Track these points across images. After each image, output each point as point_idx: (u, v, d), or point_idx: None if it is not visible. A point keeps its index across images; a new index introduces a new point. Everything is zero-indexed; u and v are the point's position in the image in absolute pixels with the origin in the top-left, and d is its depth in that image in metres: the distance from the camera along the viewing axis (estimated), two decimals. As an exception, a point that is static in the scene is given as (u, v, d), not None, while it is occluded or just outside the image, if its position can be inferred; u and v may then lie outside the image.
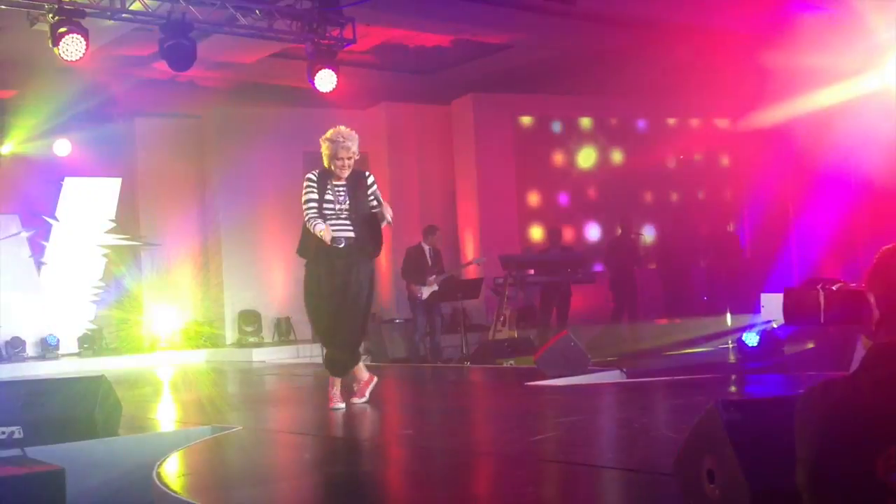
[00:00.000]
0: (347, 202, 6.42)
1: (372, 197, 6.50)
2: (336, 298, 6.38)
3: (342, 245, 6.33)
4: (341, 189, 6.43)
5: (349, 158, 6.38)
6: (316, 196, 6.39)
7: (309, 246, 6.47)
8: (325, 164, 6.49)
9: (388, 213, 6.38)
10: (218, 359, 13.91)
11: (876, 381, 1.93)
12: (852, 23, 11.54)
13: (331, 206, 6.39)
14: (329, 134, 6.46)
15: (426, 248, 12.15)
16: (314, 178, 6.47)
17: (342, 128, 6.48)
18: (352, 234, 6.40)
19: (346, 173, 6.41)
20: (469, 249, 14.89)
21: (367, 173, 6.60)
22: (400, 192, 15.06)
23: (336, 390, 6.53)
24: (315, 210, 6.37)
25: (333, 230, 6.31)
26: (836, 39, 12.06)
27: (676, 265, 14.02)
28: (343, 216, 6.40)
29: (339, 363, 6.51)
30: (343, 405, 6.49)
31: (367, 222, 6.48)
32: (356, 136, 6.49)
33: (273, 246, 14.97)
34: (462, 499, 3.91)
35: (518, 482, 4.04)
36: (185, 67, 9.77)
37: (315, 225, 6.30)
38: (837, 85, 14.09)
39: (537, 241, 15.30)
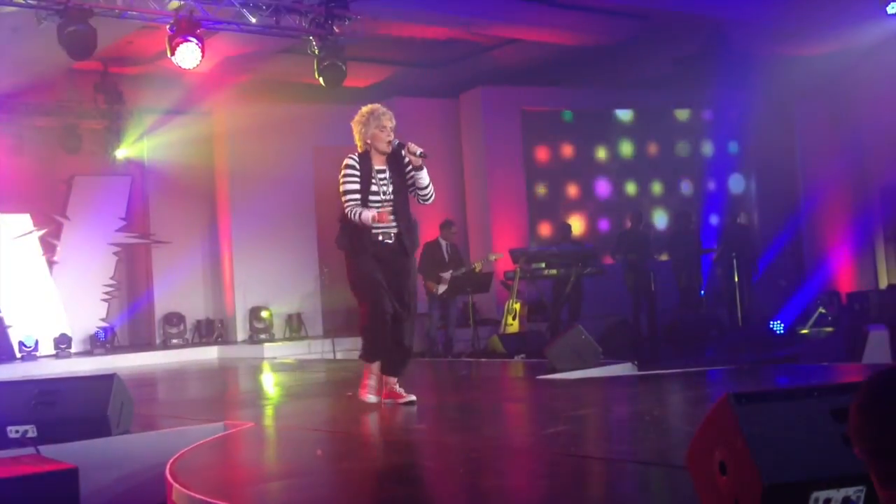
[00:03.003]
0: (392, 191, 6.02)
1: (409, 168, 6.05)
2: (394, 295, 6.01)
3: (392, 241, 5.99)
4: (383, 177, 6.01)
5: (393, 129, 5.99)
6: (358, 186, 5.94)
7: (354, 239, 6.02)
8: (361, 145, 6.05)
9: (417, 149, 5.93)
10: (229, 355, 13.94)
11: None
12: (861, 8, 11.49)
13: (376, 198, 5.97)
14: (365, 110, 6.07)
15: (443, 243, 12.16)
16: (356, 166, 5.98)
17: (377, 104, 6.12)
18: (398, 230, 6.02)
19: (390, 148, 5.99)
20: (479, 243, 14.89)
21: (398, 143, 6.08)
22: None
23: (373, 381, 6.23)
24: (357, 202, 5.93)
25: (379, 227, 5.94)
26: (845, 26, 12.01)
27: (686, 256, 14.00)
28: (388, 208, 5.96)
29: (400, 365, 6.19)
30: (377, 398, 6.23)
31: (408, 217, 6.10)
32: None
33: (284, 242, 15.00)
34: (475, 493, 3.91)
35: (531, 475, 4.04)
36: (193, 64, 9.79)
37: (360, 213, 5.86)
38: (846, 72, 14.05)
39: (547, 234, 15.28)
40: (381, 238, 6.01)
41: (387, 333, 6.05)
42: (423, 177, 6.04)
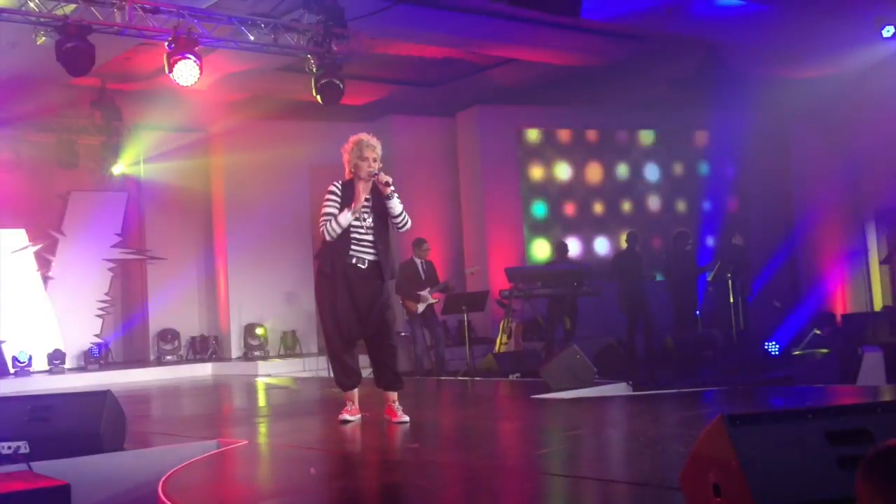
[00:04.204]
0: (371, 219, 6.25)
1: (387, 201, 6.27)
2: (362, 320, 6.23)
3: (366, 267, 6.20)
4: (366, 205, 6.23)
5: (375, 160, 6.21)
6: (337, 211, 6.18)
7: (330, 260, 6.25)
8: (348, 173, 6.30)
9: (385, 178, 6.16)
10: (223, 372, 13.90)
11: None
12: (856, 32, 11.57)
13: (356, 224, 6.21)
14: (352, 139, 6.32)
15: (418, 261, 12.13)
16: (338, 192, 6.22)
17: (364, 133, 6.38)
18: (374, 258, 6.23)
19: (370, 178, 6.19)
20: (474, 261, 14.89)
21: None
22: (405, 205, 15.06)
23: (353, 405, 6.52)
24: (331, 220, 6.19)
25: (355, 251, 6.18)
26: (840, 49, 12.08)
27: (683, 278, 14.00)
28: (368, 236, 6.22)
29: (390, 381, 6.39)
30: (356, 418, 6.50)
31: (386, 245, 6.31)
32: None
33: (279, 259, 15.00)
34: (468, 513, 3.90)
35: (524, 496, 4.03)
36: (192, 82, 9.80)
37: (337, 218, 6.10)
38: (841, 96, 14.12)
39: (543, 253, 15.29)
40: (355, 262, 6.21)
41: (341, 365, 6.41)
42: (395, 205, 6.26)
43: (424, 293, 11.86)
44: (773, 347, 12.61)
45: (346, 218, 6.14)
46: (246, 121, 14.72)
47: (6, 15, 8.97)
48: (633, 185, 16.22)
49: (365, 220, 6.24)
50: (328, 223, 6.16)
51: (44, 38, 9.25)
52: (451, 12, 11.50)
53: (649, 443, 5.22)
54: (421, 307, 11.84)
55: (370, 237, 6.24)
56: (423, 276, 12.01)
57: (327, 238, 6.18)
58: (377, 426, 6.34)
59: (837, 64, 13.15)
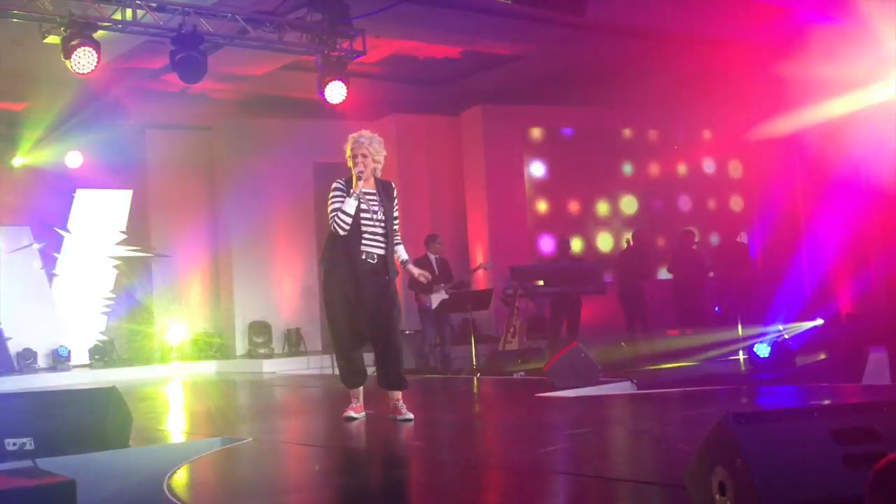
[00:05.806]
0: (381, 213, 6.28)
1: (396, 212, 6.40)
2: (369, 316, 6.26)
3: (375, 262, 6.23)
4: (374, 199, 6.30)
5: (364, 157, 6.23)
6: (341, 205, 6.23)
7: (335, 257, 6.29)
8: (351, 167, 6.36)
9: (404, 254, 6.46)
10: (228, 370, 13.92)
11: None
12: (862, 33, 11.54)
13: (367, 216, 6.22)
14: (350, 137, 6.38)
15: (432, 257, 12.17)
16: (342, 187, 6.27)
17: (365, 131, 6.41)
18: (383, 252, 6.26)
19: (364, 173, 6.21)
20: (479, 260, 14.89)
21: (393, 184, 6.47)
22: (410, 204, 15.08)
23: (358, 402, 6.54)
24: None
25: (366, 245, 6.21)
26: (846, 50, 12.05)
27: (688, 276, 13.99)
28: (378, 229, 6.24)
29: (393, 382, 6.38)
30: (361, 415, 6.51)
31: (391, 241, 6.34)
32: (380, 139, 6.38)
33: (283, 257, 15.00)
34: (472, 511, 3.90)
35: (528, 494, 4.03)
36: (196, 80, 9.80)
37: (344, 205, 6.14)
38: (847, 95, 14.08)
39: (547, 251, 15.29)
40: (364, 257, 6.23)
41: (348, 363, 6.42)
42: (402, 254, 6.54)
43: (437, 287, 11.89)
44: (763, 350, 12.46)
45: (350, 205, 6.15)
46: (250, 118, 14.71)
47: (12, 13, 8.97)
48: (637, 182, 16.19)
49: (376, 212, 6.25)
50: (336, 217, 6.17)
51: (49, 37, 9.25)
52: (455, 11, 11.49)
53: (654, 441, 5.23)
54: (434, 301, 11.89)
55: (381, 230, 6.26)
56: (436, 272, 12.04)
57: (340, 232, 6.16)
58: (381, 423, 6.34)
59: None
